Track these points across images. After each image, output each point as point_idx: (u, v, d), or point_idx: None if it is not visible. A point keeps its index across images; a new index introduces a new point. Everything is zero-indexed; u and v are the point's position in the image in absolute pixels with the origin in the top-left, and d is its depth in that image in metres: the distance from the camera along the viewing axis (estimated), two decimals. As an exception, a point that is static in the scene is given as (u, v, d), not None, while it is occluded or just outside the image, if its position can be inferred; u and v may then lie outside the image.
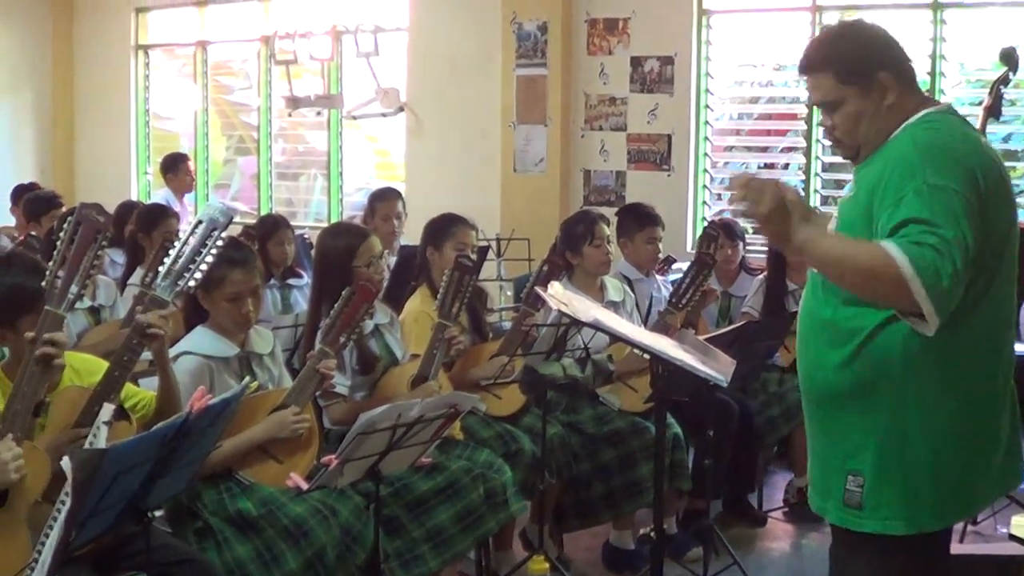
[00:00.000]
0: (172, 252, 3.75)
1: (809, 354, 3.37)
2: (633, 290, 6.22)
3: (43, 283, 3.49)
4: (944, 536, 3.35)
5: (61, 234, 3.57)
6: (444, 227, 5.71)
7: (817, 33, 8.41)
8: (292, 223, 7.56)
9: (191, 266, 3.72)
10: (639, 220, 6.37)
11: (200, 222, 3.77)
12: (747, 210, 3.17)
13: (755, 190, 3.13)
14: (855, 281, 3.08)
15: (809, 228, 3.14)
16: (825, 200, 8.74)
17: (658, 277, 6.52)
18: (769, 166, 9.25)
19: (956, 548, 4.09)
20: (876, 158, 3.22)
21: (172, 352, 4.16)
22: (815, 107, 3.42)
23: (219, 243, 3.74)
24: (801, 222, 3.14)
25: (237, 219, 9.69)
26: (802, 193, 8.74)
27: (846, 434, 3.25)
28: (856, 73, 3.22)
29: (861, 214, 3.17)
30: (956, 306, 3.02)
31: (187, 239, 3.74)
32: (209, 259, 3.74)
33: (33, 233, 7.68)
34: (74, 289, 3.49)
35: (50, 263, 3.52)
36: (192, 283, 3.74)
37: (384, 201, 7.52)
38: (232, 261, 4.33)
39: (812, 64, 3.32)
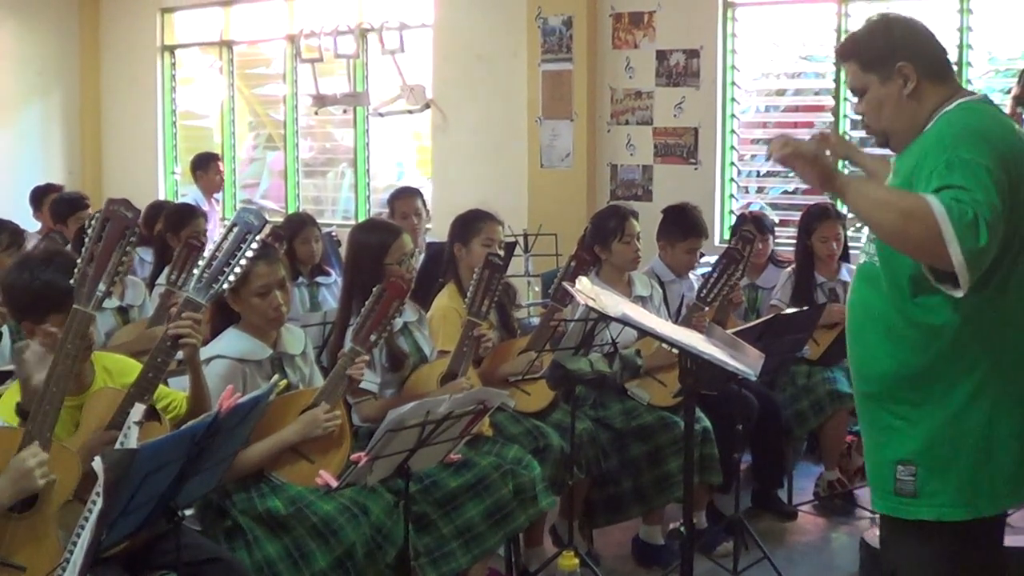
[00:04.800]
0: (206, 255, 3.76)
1: (859, 346, 3.47)
2: (665, 290, 6.20)
3: (72, 280, 3.50)
4: (999, 522, 3.41)
5: (89, 231, 3.57)
6: (471, 223, 5.70)
7: (844, 23, 8.44)
8: (320, 220, 7.58)
9: (225, 269, 3.73)
10: (684, 229, 6.30)
11: (235, 225, 3.78)
12: (791, 151, 3.28)
13: (793, 141, 3.31)
14: (891, 223, 3.12)
15: (848, 175, 3.33)
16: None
17: (691, 275, 6.47)
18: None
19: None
20: (914, 145, 3.33)
21: (205, 354, 4.18)
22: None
23: (253, 246, 3.75)
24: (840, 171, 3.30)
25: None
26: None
27: (897, 424, 3.33)
28: (876, 62, 3.37)
29: None
30: (993, 287, 3.16)
31: (221, 243, 3.75)
32: (244, 262, 3.74)
33: (52, 227, 7.69)
34: (102, 286, 3.49)
35: (78, 260, 3.53)
36: (226, 286, 3.75)
37: (402, 199, 7.53)
38: (254, 256, 4.33)
39: (841, 54, 3.54)
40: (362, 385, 4.77)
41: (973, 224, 2.97)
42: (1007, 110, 6.46)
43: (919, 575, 3.39)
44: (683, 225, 6.32)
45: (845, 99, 8.53)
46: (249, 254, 3.75)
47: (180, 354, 3.81)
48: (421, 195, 7.62)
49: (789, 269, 6.87)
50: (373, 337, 4.52)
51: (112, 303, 5.87)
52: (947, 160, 3.10)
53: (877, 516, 6.26)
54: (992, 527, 3.36)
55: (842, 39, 3.48)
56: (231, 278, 3.74)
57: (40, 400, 3.40)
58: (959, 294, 3.11)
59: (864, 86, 3.43)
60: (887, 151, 3.57)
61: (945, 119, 3.29)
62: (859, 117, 3.56)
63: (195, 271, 3.76)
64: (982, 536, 3.32)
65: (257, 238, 3.77)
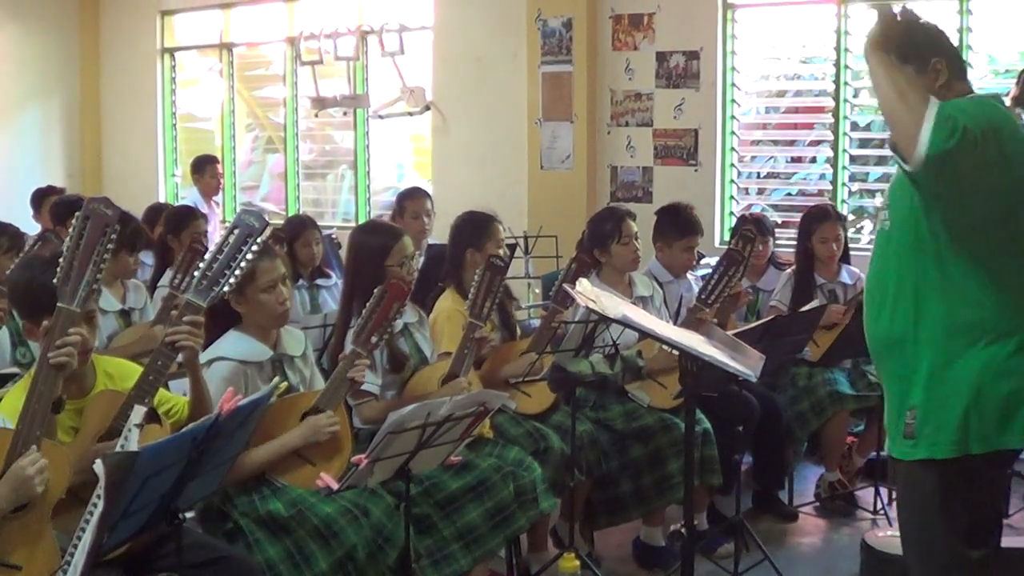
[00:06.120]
0: (207, 257, 3.76)
1: (871, 309, 3.75)
2: (663, 291, 6.19)
3: (54, 280, 3.49)
4: (990, 463, 3.62)
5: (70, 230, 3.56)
6: (482, 226, 5.69)
7: (843, 24, 8.48)
8: (320, 223, 7.58)
9: (226, 272, 3.73)
10: (680, 228, 6.28)
11: (235, 228, 3.77)
12: None
13: None
14: (889, 96, 3.42)
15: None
16: (852, 193, 8.71)
17: (689, 276, 6.47)
18: (796, 159, 9.22)
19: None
20: None
21: (207, 356, 4.18)
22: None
23: (254, 248, 3.75)
24: None
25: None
26: (829, 186, 8.73)
27: (901, 375, 3.64)
28: (914, 54, 3.62)
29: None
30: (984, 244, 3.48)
31: (221, 245, 3.74)
32: (244, 264, 3.74)
33: (50, 228, 7.69)
34: (85, 284, 3.47)
35: (60, 259, 3.51)
36: (227, 288, 3.74)
37: (413, 199, 7.54)
38: (256, 253, 4.36)
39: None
40: (363, 387, 4.77)
41: (953, 126, 3.26)
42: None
43: (912, 511, 3.69)
44: (678, 224, 6.31)
45: (845, 100, 8.55)
46: (250, 256, 3.75)
47: (180, 357, 3.81)
48: (430, 196, 7.64)
49: (789, 271, 6.87)
50: (374, 339, 4.52)
51: (114, 306, 5.88)
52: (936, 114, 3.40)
53: (878, 517, 6.35)
54: (982, 466, 3.58)
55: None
56: (232, 280, 3.74)
57: (28, 399, 3.40)
58: (908, 167, 3.36)
59: None
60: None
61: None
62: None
63: (195, 273, 3.76)
64: (973, 473, 3.56)
65: (258, 240, 3.77)
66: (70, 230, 3.53)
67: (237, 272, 3.74)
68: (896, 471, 3.76)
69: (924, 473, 3.58)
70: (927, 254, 3.52)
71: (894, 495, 6.38)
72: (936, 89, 3.58)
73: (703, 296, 5.92)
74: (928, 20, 3.81)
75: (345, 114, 11.31)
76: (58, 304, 3.45)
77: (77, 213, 3.53)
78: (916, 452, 3.58)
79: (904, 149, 3.34)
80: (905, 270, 3.59)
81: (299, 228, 7.04)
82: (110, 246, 3.52)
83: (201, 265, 3.76)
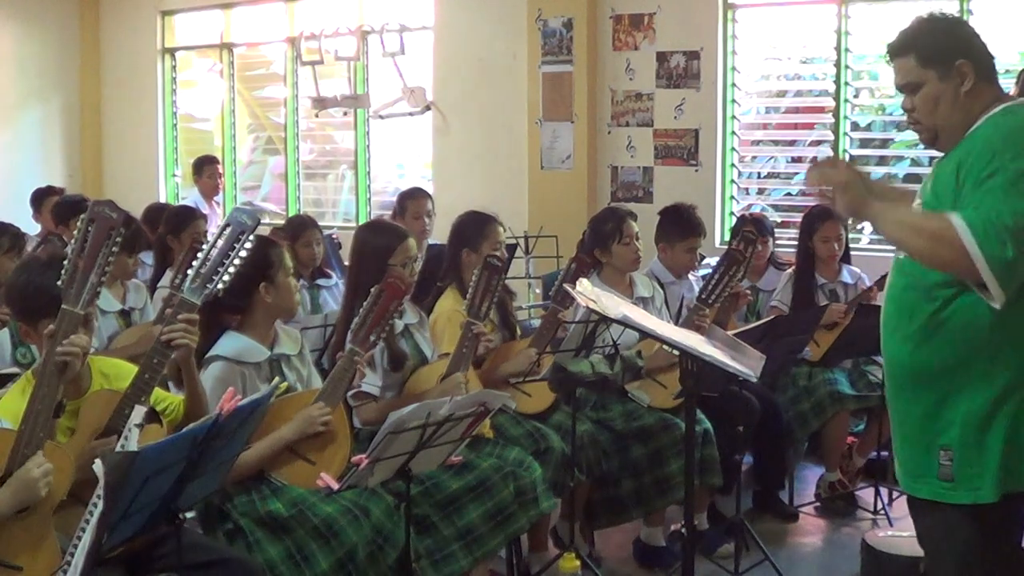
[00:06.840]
0: (200, 256, 3.75)
1: (893, 338, 3.57)
2: (664, 292, 6.19)
3: (58, 281, 3.49)
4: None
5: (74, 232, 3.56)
6: (480, 227, 5.67)
7: (844, 25, 8.47)
8: (320, 223, 7.57)
9: (219, 269, 3.72)
10: (682, 229, 6.27)
11: (227, 226, 3.77)
12: (825, 179, 3.50)
13: (828, 167, 3.51)
14: (921, 247, 3.34)
15: (880, 201, 3.48)
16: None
17: (690, 276, 6.46)
18: (796, 160, 9.22)
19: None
20: (958, 149, 3.44)
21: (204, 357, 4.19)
22: (899, 92, 3.65)
23: (247, 246, 3.75)
24: (873, 197, 3.49)
25: (267, 220, 9.74)
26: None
27: (933, 412, 3.45)
28: (937, 58, 3.46)
29: (949, 197, 3.37)
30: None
31: (215, 242, 3.74)
32: (238, 262, 3.74)
33: (53, 232, 7.68)
34: (90, 287, 3.46)
35: (60, 262, 3.50)
36: (220, 286, 3.74)
37: (414, 199, 7.55)
38: (275, 243, 4.51)
39: (896, 49, 3.55)
40: (364, 388, 4.77)
41: (998, 238, 3.15)
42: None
43: (951, 556, 3.50)
44: (681, 225, 6.30)
45: (846, 100, 8.54)
46: (243, 254, 3.75)
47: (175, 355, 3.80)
48: (431, 196, 7.64)
49: (790, 271, 6.87)
50: (372, 338, 4.51)
51: (114, 306, 5.87)
52: (994, 168, 3.25)
53: (878, 517, 6.34)
54: (1020, 502, 3.47)
55: (897, 35, 3.57)
56: (225, 278, 3.74)
57: (31, 400, 3.40)
58: (996, 305, 3.25)
59: (921, 81, 3.49)
60: (909, 186, 3.64)
61: (991, 122, 3.42)
62: (905, 112, 3.62)
63: (188, 271, 3.76)
64: (1013, 512, 3.47)
65: (251, 237, 3.77)
66: (75, 233, 3.53)
67: (231, 270, 3.74)
68: (923, 510, 3.57)
69: (964, 519, 3.43)
70: (957, 295, 3.36)
71: (894, 495, 6.41)
72: (961, 96, 3.44)
73: (703, 296, 5.92)
74: (955, 16, 3.65)
75: (345, 114, 11.31)
76: (63, 306, 3.45)
77: (82, 216, 3.53)
78: (956, 496, 3.41)
79: (974, 281, 3.25)
80: (935, 304, 3.40)
81: (300, 228, 7.04)
82: (115, 249, 3.52)
83: (195, 264, 3.76)
